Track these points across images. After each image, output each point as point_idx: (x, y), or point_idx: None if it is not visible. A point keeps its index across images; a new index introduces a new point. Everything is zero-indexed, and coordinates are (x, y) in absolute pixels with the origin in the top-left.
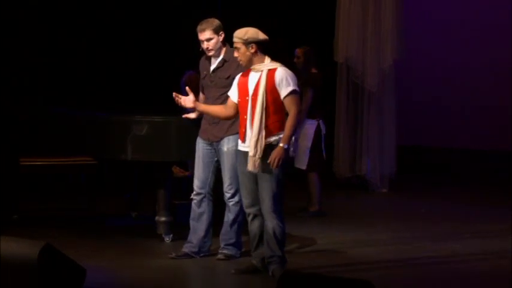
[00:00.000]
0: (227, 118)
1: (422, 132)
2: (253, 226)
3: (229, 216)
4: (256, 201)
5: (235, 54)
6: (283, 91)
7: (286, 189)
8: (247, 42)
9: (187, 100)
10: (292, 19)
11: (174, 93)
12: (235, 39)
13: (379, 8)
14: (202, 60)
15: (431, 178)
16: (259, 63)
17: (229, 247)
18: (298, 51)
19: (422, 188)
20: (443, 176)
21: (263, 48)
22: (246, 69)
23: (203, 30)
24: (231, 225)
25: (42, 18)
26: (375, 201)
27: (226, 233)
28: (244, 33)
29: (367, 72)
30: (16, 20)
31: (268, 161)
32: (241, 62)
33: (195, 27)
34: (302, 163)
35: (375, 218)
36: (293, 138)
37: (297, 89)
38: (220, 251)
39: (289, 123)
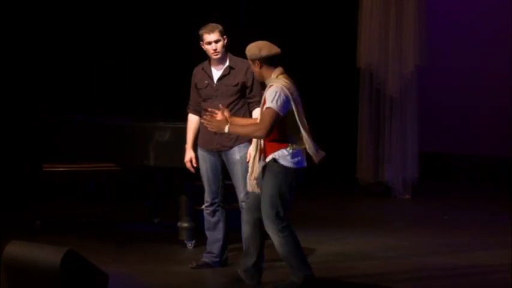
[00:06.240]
0: None
1: (446, 139)
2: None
3: None
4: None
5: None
6: (265, 105)
7: None
8: (251, 59)
9: None
10: (314, 26)
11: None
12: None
13: (401, 14)
14: (198, 70)
15: (454, 184)
16: (268, 77)
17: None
18: None
19: (445, 195)
20: (467, 182)
21: (270, 62)
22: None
23: (212, 31)
24: None
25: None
26: (397, 208)
27: None
28: (248, 49)
29: (388, 78)
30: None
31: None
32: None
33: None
34: None
35: (397, 224)
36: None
37: (275, 108)
38: None
39: (248, 128)
